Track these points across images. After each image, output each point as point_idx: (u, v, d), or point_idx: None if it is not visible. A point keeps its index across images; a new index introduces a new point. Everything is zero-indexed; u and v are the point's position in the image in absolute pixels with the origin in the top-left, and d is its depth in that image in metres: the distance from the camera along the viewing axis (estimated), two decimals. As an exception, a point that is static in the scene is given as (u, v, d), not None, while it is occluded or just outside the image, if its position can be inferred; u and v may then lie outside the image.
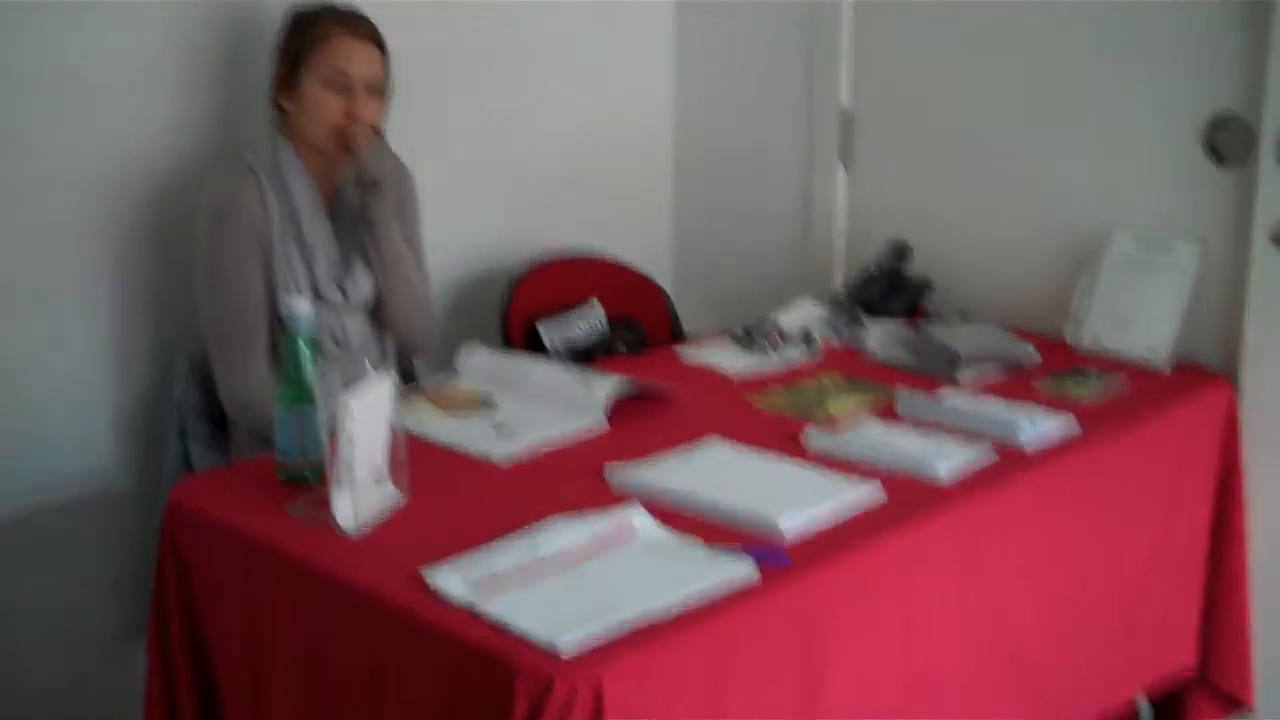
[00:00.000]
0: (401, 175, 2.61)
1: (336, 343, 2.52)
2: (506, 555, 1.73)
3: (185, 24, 2.62)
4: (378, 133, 2.53)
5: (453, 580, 1.66)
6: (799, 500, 1.91)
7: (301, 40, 2.49)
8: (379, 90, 2.53)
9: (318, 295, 2.50)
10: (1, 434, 2.50)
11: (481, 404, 2.36)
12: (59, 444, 2.58)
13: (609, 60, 3.43)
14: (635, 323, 3.17)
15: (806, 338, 2.78)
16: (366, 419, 1.83)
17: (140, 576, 2.34)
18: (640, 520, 1.84)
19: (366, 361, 1.83)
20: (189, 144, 2.66)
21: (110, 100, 2.54)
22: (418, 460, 2.00)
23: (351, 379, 1.86)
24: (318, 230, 2.52)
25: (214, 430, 2.55)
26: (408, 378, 2.70)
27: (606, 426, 2.26)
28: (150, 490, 2.60)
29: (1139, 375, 2.59)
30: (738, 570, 1.71)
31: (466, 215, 3.14)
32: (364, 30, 2.51)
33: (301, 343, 1.95)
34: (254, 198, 2.45)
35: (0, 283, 2.45)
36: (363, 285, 2.56)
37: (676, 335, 3.26)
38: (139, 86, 2.58)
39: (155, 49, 2.59)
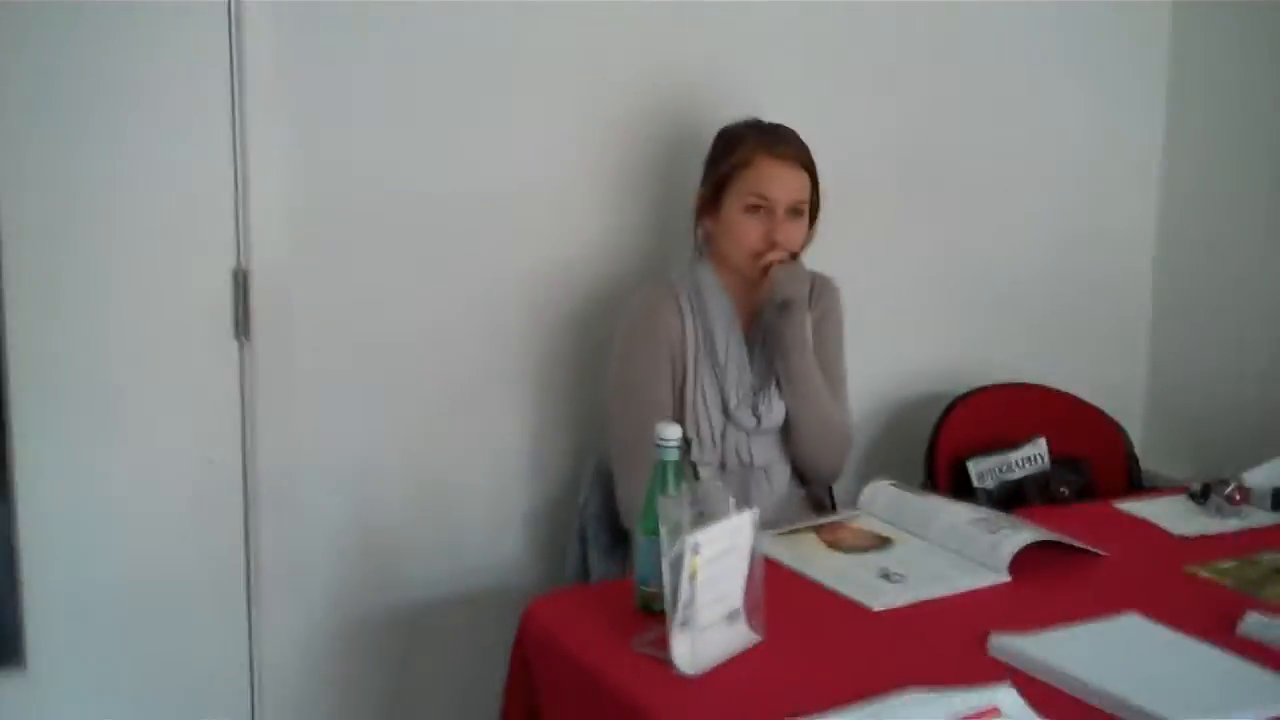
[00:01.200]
0: (824, 292, 2.53)
1: (742, 465, 2.46)
2: (843, 725, 1.56)
3: (619, 144, 2.69)
4: (793, 256, 2.45)
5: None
6: (1215, 700, 1.65)
7: (725, 163, 2.45)
8: (801, 212, 2.45)
9: (729, 417, 2.45)
10: (424, 525, 2.62)
11: (875, 545, 2.19)
12: (474, 539, 2.67)
13: (1086, 183, 3.25)
14: (1082, 464, 2.89)
15: (1276, 500, 2.43)
16: (718, 556, 1.72)
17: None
18: (1009, 702, 1.61)
19: (732, 498, 1.75)
20: (614, 261, 2.72)
21: (548, 219, 2.64)
22: (789, 599, 1.89)
23: (750, 504, 1.79)
24: (733, 352, 2.47)
25: (613, 539, 2.54)
26: (821, 506, 2.59)
27: (1008, 582, 2.04)
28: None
29: None
30: (1109, 781, 1.47)
31: (904, 337, 3.03)
32: (788, 153, 2.43)
33: (668, 471, 1.86)
34: (673, 317, 2.44)
35: (441, 386, 2.59)
36: (776, 410, 2.48)
37: (1134, 483, 2.95)
38: (575, 206, 2.67)
39: (591, 169, 2.67)
